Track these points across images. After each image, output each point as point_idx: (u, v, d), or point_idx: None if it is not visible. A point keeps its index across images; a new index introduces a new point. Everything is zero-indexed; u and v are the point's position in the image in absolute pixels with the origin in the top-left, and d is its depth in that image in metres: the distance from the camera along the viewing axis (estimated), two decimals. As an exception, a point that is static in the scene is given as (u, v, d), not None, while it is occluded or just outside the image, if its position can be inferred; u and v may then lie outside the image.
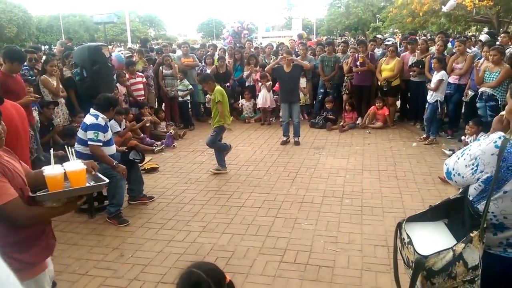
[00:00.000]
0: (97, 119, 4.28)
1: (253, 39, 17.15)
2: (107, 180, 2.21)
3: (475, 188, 1.62)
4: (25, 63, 5.68)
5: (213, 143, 5.80)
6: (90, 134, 4.21)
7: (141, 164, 4.74)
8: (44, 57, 7.03)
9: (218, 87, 5.78)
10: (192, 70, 8.90)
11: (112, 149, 4.47)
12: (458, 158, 1.70)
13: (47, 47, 28.39)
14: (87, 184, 2.12)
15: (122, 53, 9.22)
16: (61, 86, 6.02)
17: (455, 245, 1.59)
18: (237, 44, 12.91)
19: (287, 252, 3.62)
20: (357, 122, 8.20)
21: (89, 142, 4.21)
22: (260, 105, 8.74)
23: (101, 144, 4.23)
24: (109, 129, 4.44)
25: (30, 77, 5.81)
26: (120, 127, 6.39)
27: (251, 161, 6.30)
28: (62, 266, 3.48)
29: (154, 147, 6.92)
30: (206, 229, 4.12)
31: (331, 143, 7.12)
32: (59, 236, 4.08)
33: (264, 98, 8.59)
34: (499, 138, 1.55)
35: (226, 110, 5.72)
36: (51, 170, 1.99)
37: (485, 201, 1.56)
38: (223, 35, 20.15)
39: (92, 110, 4.40)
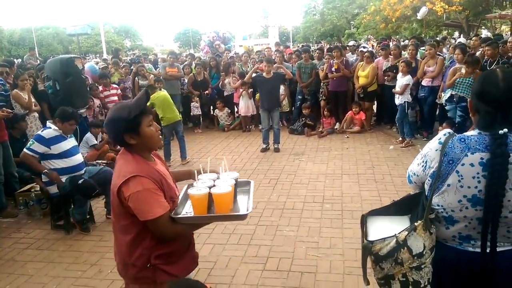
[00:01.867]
0: (41, 131, 4.23)
1: (232, 47, 17.17)
2: (246, 212, 1.97)
3: (426, 184, 1.73)
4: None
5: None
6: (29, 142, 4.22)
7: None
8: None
9: (158, 93, 6.32)
10: (176, 81, 8.83)
11: (73, 160, 4.27)
12: (414, 161, 1.83)
13: (19, 60, 27.71)
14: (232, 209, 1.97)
15: (97, 64, 9.10)
16: (33, 99, 5.88)
17: (399, 232, 1.68)
18: (215, 53, 12.94)
19: (269, 259, 3.60)
20: (335, 127, 8.30)
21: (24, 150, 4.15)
22: (241, 112, 8.75)
23: (34, 154, 4.12)
24: (66, 140, 4.27)
25: (4, 92, 5.66)
26: (97, 140, 6.27)
27: (231, 169, 6.24)
28: (38, 285, 3.37)
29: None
30: (187, 240, 4.06)
31: (310, 149, 7.17)
32: (34, 254, 3.98)
33: (246, 105, 8.60)
34: (444, 135, 1.67)
35: (166, 112, 6.35)
36: (195, 191, 1.89)
37: (435, 194, 1.65)
38: (200, 46, 20.18)
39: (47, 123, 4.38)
